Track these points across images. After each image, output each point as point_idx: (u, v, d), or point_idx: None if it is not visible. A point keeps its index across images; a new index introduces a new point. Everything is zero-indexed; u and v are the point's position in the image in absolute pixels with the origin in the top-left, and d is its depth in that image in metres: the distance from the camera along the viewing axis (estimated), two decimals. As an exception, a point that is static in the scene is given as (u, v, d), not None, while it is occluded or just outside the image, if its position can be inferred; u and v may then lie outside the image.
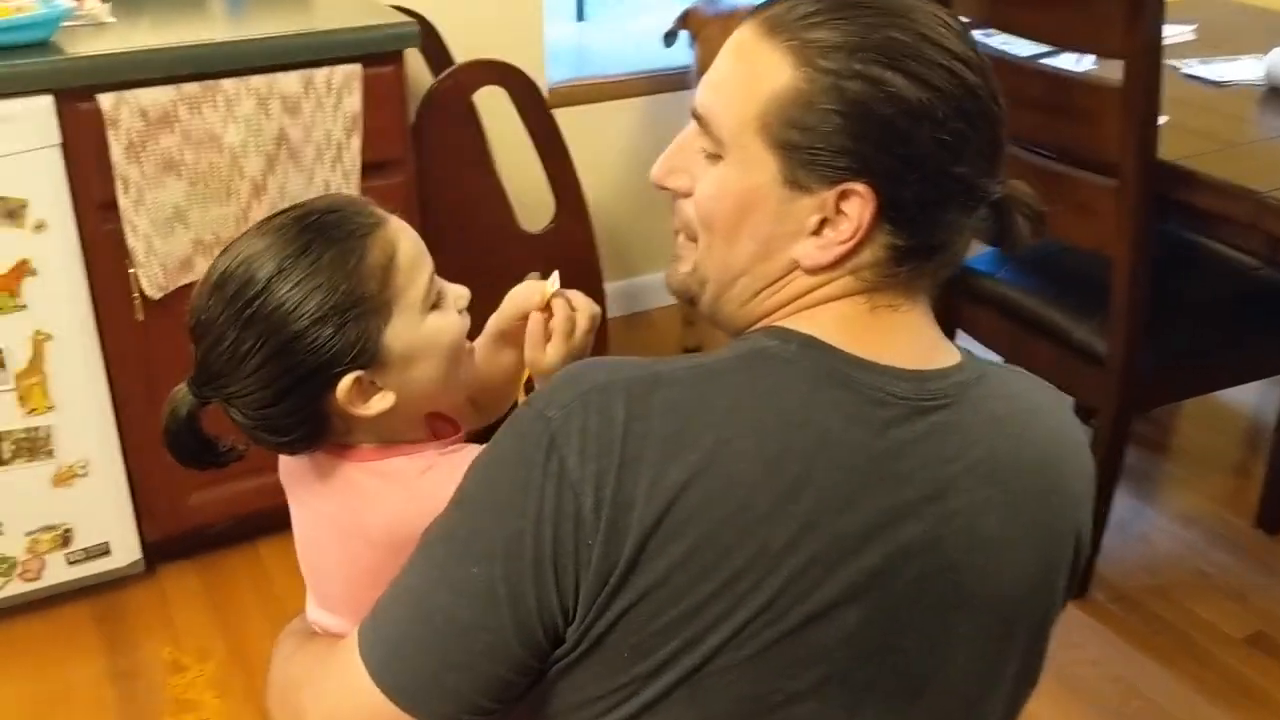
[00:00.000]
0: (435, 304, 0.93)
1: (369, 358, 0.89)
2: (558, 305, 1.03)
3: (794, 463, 0.76)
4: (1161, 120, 1.99)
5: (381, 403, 0.90)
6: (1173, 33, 2.52)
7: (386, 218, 0.92)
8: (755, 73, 0.81)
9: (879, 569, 0.78)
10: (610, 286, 2.57)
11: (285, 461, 1.00)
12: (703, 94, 0.86)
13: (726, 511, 0.75)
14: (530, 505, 0.76)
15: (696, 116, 0.86)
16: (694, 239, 0.89)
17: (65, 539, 2.05)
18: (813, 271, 0.83)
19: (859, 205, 0.80)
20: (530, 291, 1.03)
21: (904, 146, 0.78)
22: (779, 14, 0.82)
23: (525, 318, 1.02)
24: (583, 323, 1.02)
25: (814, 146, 0.79)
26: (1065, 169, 1.96)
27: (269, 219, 0.91)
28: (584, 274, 2.52)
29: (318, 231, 0.89)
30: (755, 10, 0.85)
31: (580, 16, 3.58)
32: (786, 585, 0.76)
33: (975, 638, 0.85)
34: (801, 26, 0.80)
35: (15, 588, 2.05)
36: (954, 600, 0.82)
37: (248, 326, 0.87)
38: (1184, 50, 2.43)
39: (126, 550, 2.13)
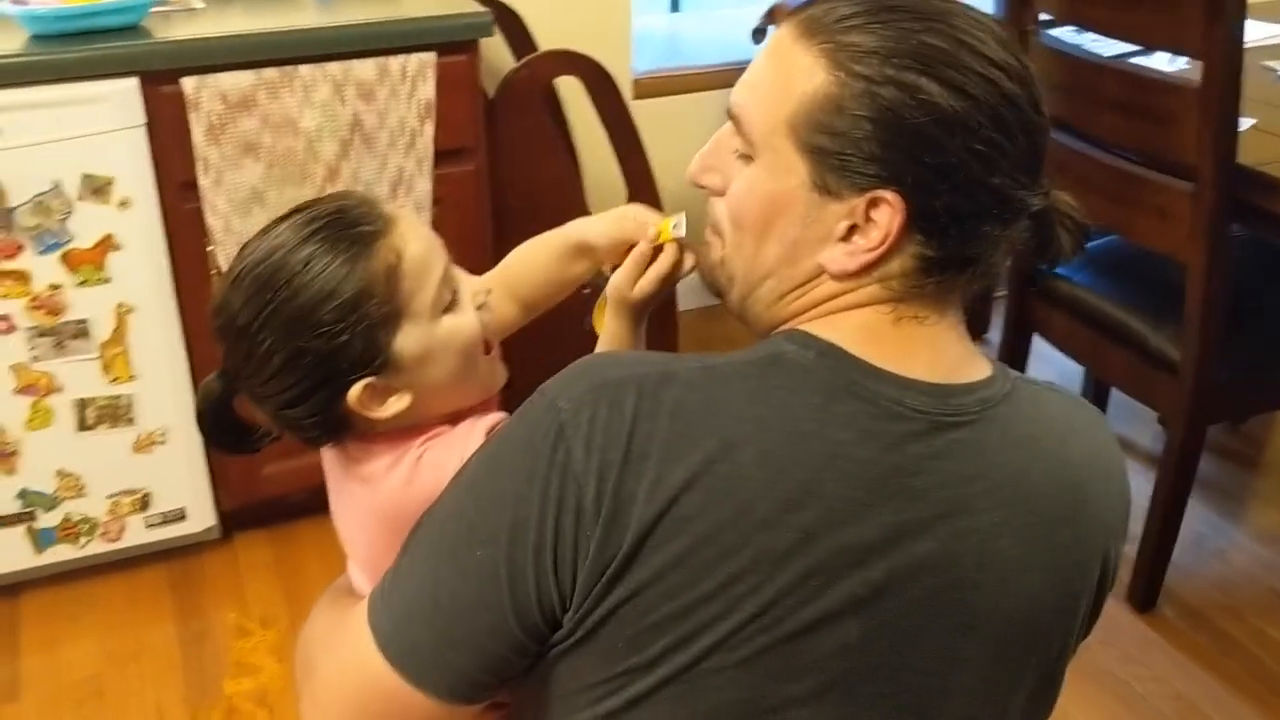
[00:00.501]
0: (450, 304, 0.92)
1: (380, 364, 0.88)
2: (671, 250, 0.99)
3: (800, 473, 0.76)
4: (1246, 123, 1.92)
5: (397, 404, 0.90)
6: (1270, 33, 2.42)
7: (394, 219, 0.90)
8: (789, 75, 0.81)
9: (883, 583, 0.77)
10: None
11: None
12: (737, 93, 0.86)
13: (726, 515, 0.75)
14: (535, 494, 0.77)
15: (731, 115, 0.86)
16: (722, 236, 0.89)
17: (144, 503, 2.15)
18: (839, 278, 0.82)
19: (888, 214, 0.79)
20: (646, 223, 1.01)
21: (936, 155, 0.77)
22: (816, 16, 0.81)
23: (626, 243, 1.01)
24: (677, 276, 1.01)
25: (844, 152, 0.79)
26: (1142, 171, 1.90)
27: (285, 216, 0.91)
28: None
29: (324, 239, 0.87)
30: (794, 10, 0.84)
31: (675, 7, 3.59)
32: (784, 593, 0.76)
33: (985, 660, 0.83)
34: (838, 30, 0.80)
35: (96, 547, 2.15)
36: (964, 619, 0.81)
37: (263, 330, 0.87)
38: (1283, 51, 2.34)
39: (202, 516, 2.22)
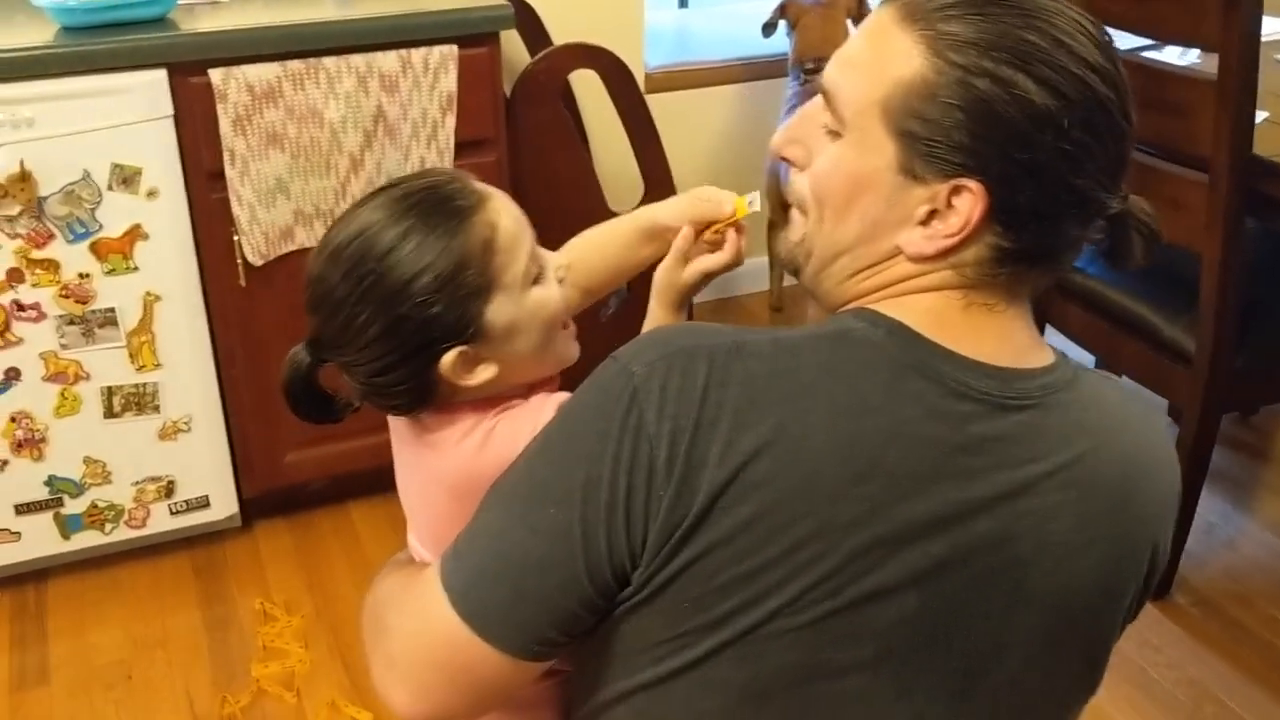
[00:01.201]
0: (536, 277, 0.95)
1: (472, 333, 0.91)
2: (733, 238, 1.01)
3: (867, 445, 0.78)
4: (1262, 116, 1.94)
5: (485, 373, 0.93)
6: (1284, 27, 2.45)
7: (488, 195, 0.94)
8: (885, 57, 0.82)
9: (944, 558, 0.80)
10: (698, 269, 2.59)
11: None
12: (831, 69, 0.87)
13: (793, 483, 0.77)
14: (608, 454, 0.79)
15: (823, 91, 0.87)
16: (805, 212, 0.90)
17: (169, 490, 2.17)
18: (915, 260, 0.84)
19: (970, 202, 0.80)
20: (720, 201, 1.02)
21: (1024, 151, 0.78)
22: (919, 1, 0.82)
23: (702, 222, 1.02)
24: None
25: (933, 139, 0.80)
26: (1157, 163, 1.92)
27: (374, 194, 0.94)
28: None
29: (421, 214, 0.91)
30: None
31: (684, 3, 3.61)
32: (847, 562, 0.78)
33: (1034, 639, 0.85)
34: (939, 17, 0.80)
35: (122, 533, 2.18)
36: (1017, 598, 0.83)
37: (361, 302, 0.90)
38: (1299, 44, 2.35)
39: (225, 504, 2.24)
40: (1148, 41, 2.22)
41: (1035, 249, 0.83)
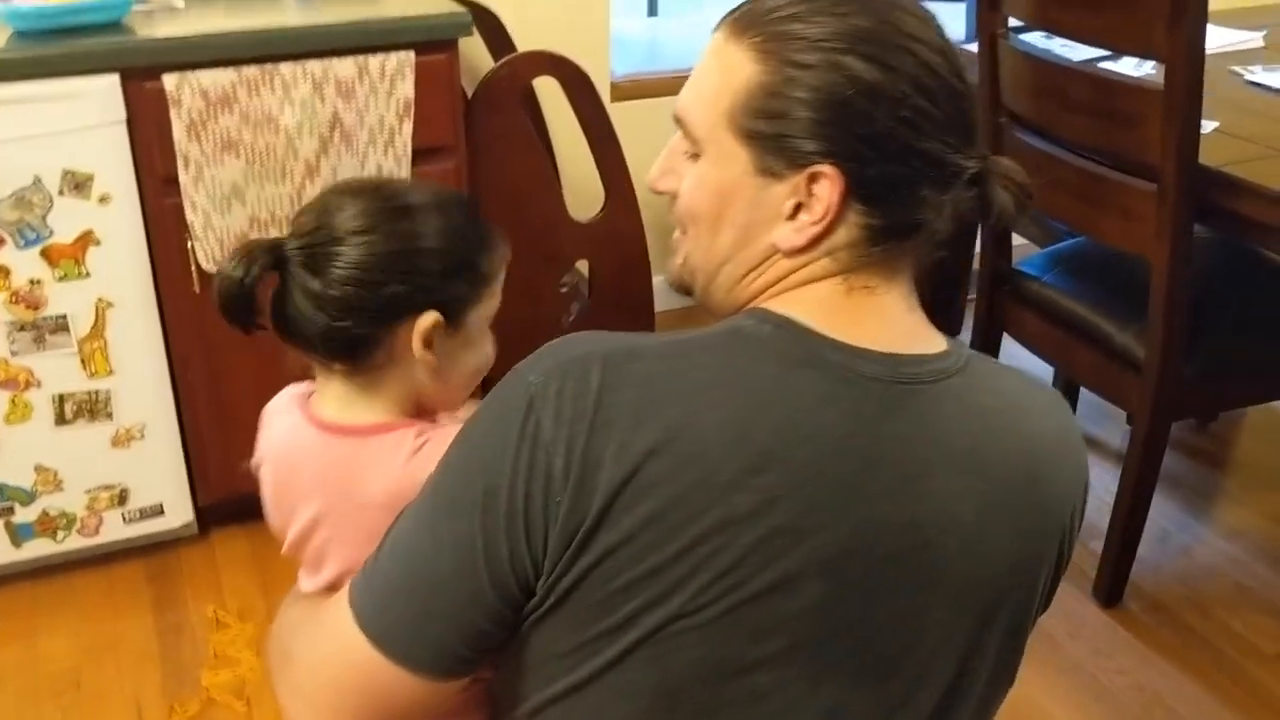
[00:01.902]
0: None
1: (452, 316, 1.01)
2: None
3: (761, 436, 0.79)
4: (1211, 126, 1.96)
5: (427, 358, 1.01)
6: (1240, 39, 2.48)
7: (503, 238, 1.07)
8: (723, 70, 0.86)
9: (847, 544, 0.80)
10: (658, 279, 2.60)
11: (287, 448, 1.06)
12: (680, 97, 0.91)
13: (691, 479, 0.78)
14: (506, 463, 0.80)
15: (677, 119, 0.91)
16: (684, 232, 0.93)
17: (122, 498, 2.16)
18: (790, 254, 0.86)
19: (828, 186, 0.83)
20: None
21: (865, 125, 0.82)
22: (746, 13, 0.87)
23: None
24: None
25: (780, 134, 0.83)
26: (1108, 172, 1.94)
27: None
28: (633, 265, 2.56)
29: (468, 209, 1.05)
30: (728, 12, 0.89)
31: (653, 11, 3.63)
32: (748, 553, 0.78)
33: (947, 624, 0.86)
34: (767, 23, 0.85)
35: (75, 542, 2.16)
36: (925, 581, 0.84)
37: (376, 231, 0.98)
38: (1250, 57, 2.38)
39: (179, 512, 2.23)
40: (1104, 53, 2.24)
41: (901, 220, 0.85)
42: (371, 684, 0.85)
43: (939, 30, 0.85)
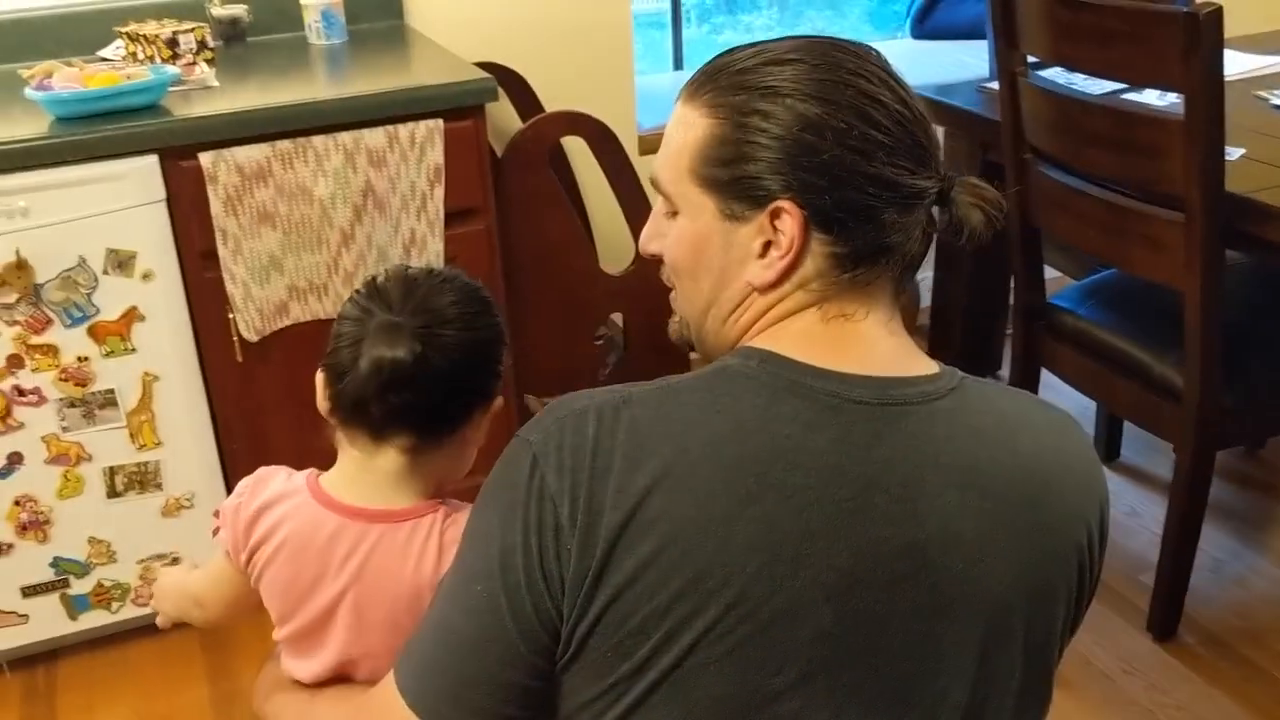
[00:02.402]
0: None
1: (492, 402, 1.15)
2: None
3: (751, 466, 0.81)
4: (1236, 153, 1.96)
5: (480, 439, 1.16)
6: (1262, 64, 2.47)
7: None
8: (683, 129, 0.92)
9: (850, 569, 0.81)
10: (694, 327, 2.62)
11: (310, 532, 1.12)
12: (654, 162, 0.97)
13: (687, 513, 0.80)
14: (518, 521, 0.84)
15: (652, 183, 0.97)
16: (674, 287, 1.00)
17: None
18: (764, 291, 0.91)
19: (789, 220, 0.88)
20: None
21: (814, 157, 0.86)
22: (699, 76, 0.94)
23: None
24: None
25: (738, 178, 0.89)
26: (1134, 204, 1.94)
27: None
28: (667, 315, 2.58)
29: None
30: (687, 81, 0.95)
31: (678, 66, 3.67)
32: (752, 584, 0.80)
33: (964, 647, 0.86)
34: (716, 81, 0.91)
35: (128, 612, 2.20)
36: (935, 604, 0.84)
37: (486, 310, 1.13)
38: (1274, 81, 2.37)
39: (230, 579, 2.26)
40: (1124, 85, 2.25)
41: (866, 245, 0.88)
42: None
43: (880, 64, 0.90)
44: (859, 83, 0.88)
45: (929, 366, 0.91)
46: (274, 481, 1.17)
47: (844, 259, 0.88)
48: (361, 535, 1.10)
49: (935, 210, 0.92)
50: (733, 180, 0.89)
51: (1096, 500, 0.94)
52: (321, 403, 1.14)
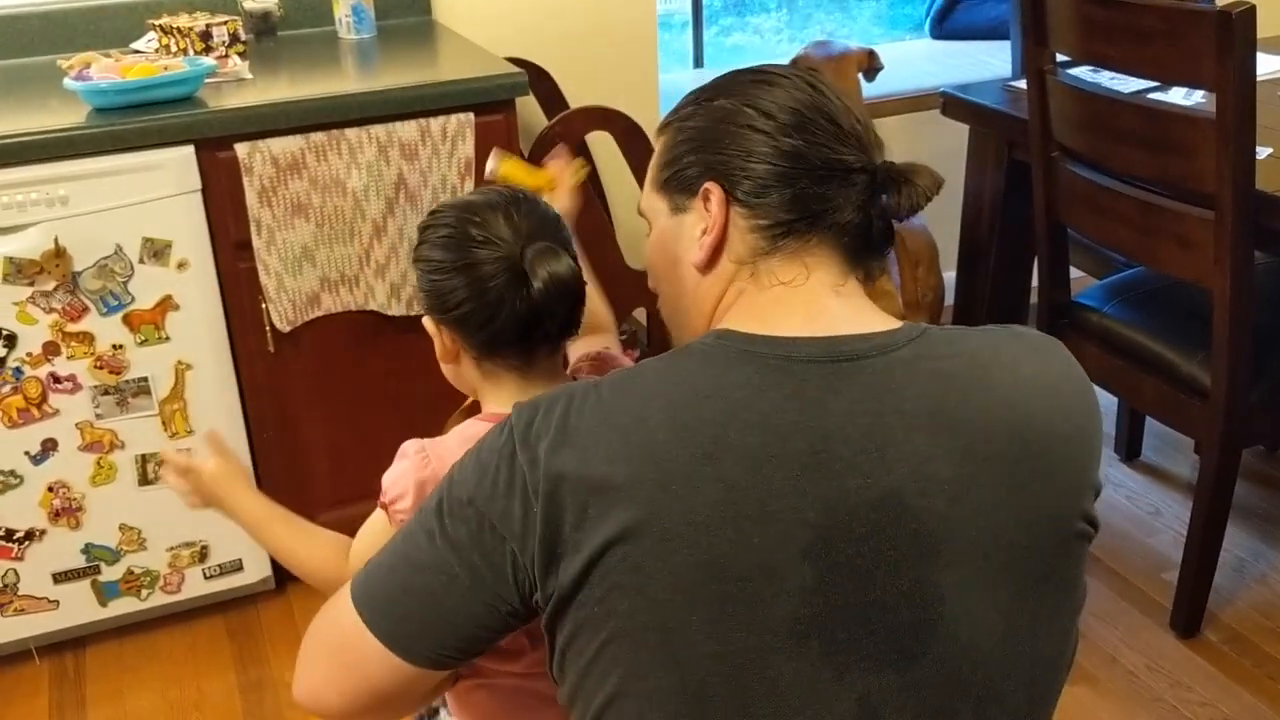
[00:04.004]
0: None
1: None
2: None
3: (706, 428, 0.85)
4: (1264, 152, 1.97)
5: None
6: (1289, 64, 2.48)
7: None
8: (653, 155, 1.05)
9: (822, 524, 0.83)
10: (718, 322, 2.63)
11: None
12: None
13: (649, 477, 0.84)
14: (488, 481, 0.90)
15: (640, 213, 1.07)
16: (658, 294, 1.08)
17: (202, 555, 2.21)
18: (704, 271, 0.98)
19: (714, 199, 0.97)
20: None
21: (730, 142, 0.96)
22: (667, 116, 1.05)
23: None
24: None
25: (677, 173, 1.00)
26: (1163, 201, 1.95)
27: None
28: (691, 310, 2.60)
29: None
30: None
31: (698, 63, 3.68)
32: (719, 540, 0.82)
33: (965, 586, 0.85)
34: (673, 111, 1.04)
35: (158, 599, 2.22)
36: (920, 550, 0.84)
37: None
38: (1301, 81, 2.38)
39: (258, 568, 2.28)
40: (1152, 83, 2.25)
41: (789, 217, 0.95)
42: (355, 652, 0.96)
43: (792, 71, 1.00)
44: (773, 78, 0.98)
45: (888, 324, 0.93)
46: (441, 447, 1.18)
47: (766, 230, 0.95)
48: None
49: (884, 197, 0.97)
50: (673, 176, 1.00)
51: (1089, 420, 0.93)
52: (452, 352, 1.20)
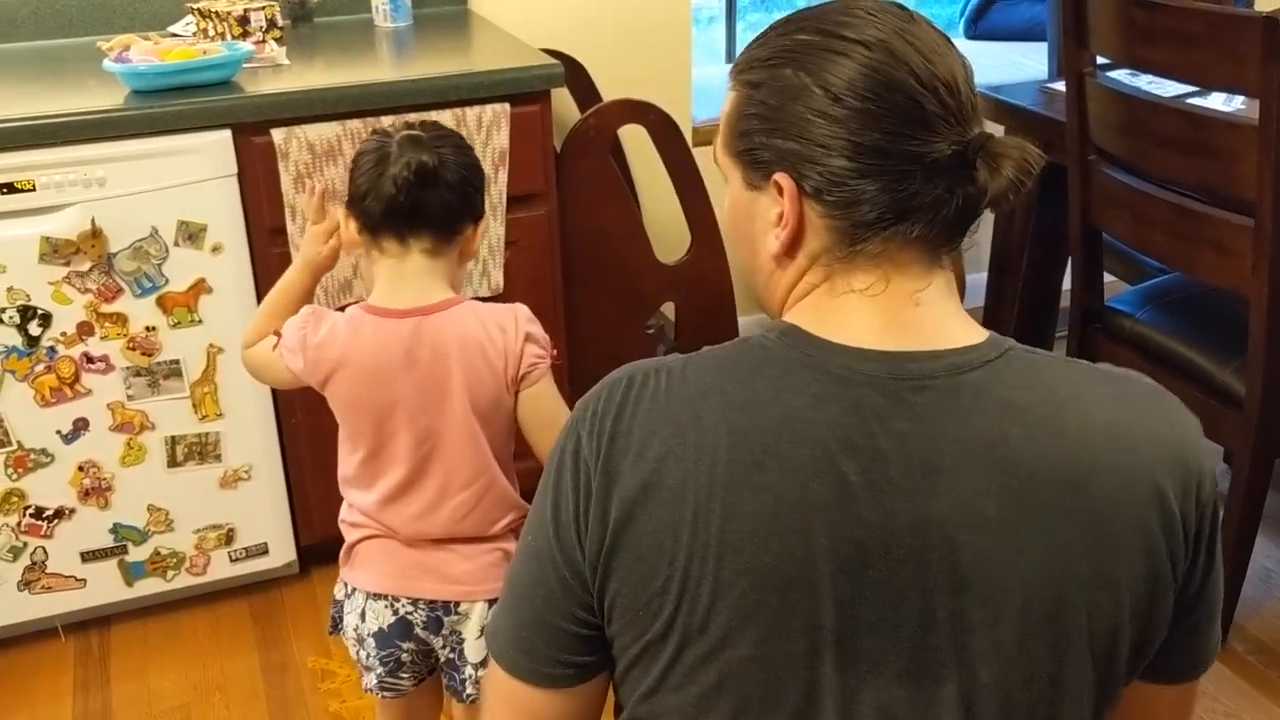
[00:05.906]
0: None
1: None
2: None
3: (759, 436, 0.82)
4: (1307, 159, 1.95)
5: (474, 253, 1.54)
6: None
7: None
8: (725, 104, 0.93)
9: (862, 542, 0.81)
10: (744, 320, 2.63)
11: (387, 341, 1.42)
12: None
13: (698, 479, 0.83)
14: (555, 478, 0.90)
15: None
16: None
17: (229, 537, 2.22)
18: (779, 263, 0.91)
19: (787, 195, 0.87)
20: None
21: (798, 130, 0.85)
22: (737, 62, 0.93)
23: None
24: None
25: (750, 149, 0.89)
26: (1202, 207, 1.93)
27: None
28: (718, 306, 2.59)
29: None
30: None
31: (730, 59, 3.68)
32: (760, 549, 0.81)
33: (999, 627, 0.82)
34: (742, 59, 0.92)
35: (183, 580, 2.23)
36: (956, 581, 0.81)
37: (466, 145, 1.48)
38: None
39: (283, 551, 2.29)
40: (1191, 88, 2.24)
41: (868, 216, 0.85)
42: (517, 707, 0.95)
43: (894, 27, 0.85)
44: (856, 51, 0.84)
45: (969, 336, 0.86)
46: (330, 317, 1.46)
47: (846, 231, 0.86)
48: (417, 327, 1.40)
49: (974, 172, 0.85)
50: (745, 150, 0.89)
51: (1157, 480, 0.84)
52: (348, 235, 1.45)
